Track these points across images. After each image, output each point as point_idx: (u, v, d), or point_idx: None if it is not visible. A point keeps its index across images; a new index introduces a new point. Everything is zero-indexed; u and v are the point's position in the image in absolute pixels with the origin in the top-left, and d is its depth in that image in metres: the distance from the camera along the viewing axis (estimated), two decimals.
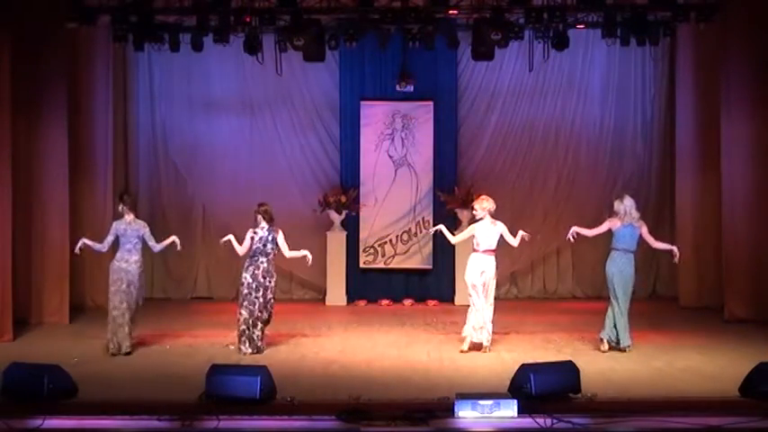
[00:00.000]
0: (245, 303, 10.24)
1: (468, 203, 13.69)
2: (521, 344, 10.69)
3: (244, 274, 10.30)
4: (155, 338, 10.91)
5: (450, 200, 14.05)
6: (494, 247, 10.28)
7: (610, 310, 10.31)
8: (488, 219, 10.27)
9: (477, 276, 10.21)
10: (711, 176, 12.98)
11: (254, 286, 10.23)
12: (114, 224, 10.34)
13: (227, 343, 10.63)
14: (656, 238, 10.61)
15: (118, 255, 10.23)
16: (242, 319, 10.22)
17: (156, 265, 14.72)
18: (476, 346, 10.25)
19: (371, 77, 14.41)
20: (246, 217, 14.35)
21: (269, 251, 10.34)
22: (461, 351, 10.21)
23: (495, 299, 10.41)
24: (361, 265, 14.39)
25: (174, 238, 10.53)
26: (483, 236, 10.26)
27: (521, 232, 10.23)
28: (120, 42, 12.53)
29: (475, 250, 10.32)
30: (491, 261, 10.25)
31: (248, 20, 11.89)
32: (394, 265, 14.41)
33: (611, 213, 10.41)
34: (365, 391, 8.06)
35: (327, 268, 14.19)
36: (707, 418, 7.33)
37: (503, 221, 10.35)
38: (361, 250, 14.38)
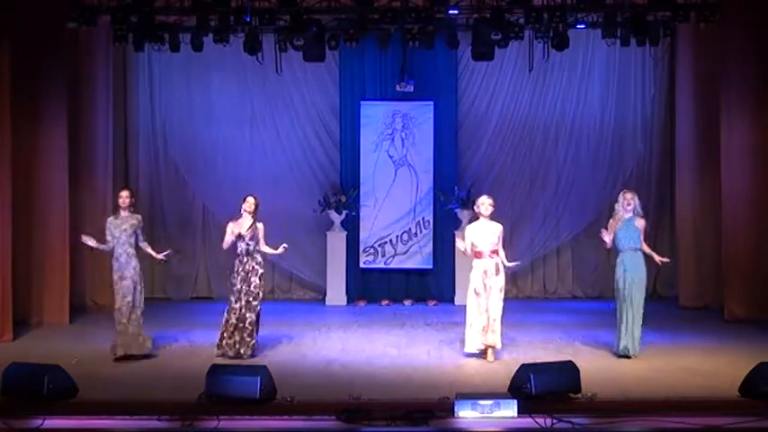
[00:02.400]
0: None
1: (467, 203, 13.73)
2: (521, 344, 10.68)
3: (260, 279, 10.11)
4: (155, 339, 10.90)
5: (450, 200, 14.05)
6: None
7: (625, 317, 9.80)
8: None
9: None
10: (711, 176, 12.97)
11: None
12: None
13: None
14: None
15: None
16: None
17: (156, 265, 14.73)
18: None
19: (371, 77, 14.40)
20: None
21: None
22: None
23: None
24: (361, 265, 14.38)
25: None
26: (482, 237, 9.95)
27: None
28: (120, 42, 12.55)
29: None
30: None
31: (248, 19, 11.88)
32: (394, 265, 14.40)
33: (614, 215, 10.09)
34: (365, 391, 8.05)
35: (327, 268, 14.19)
36: (707, 418, 7.34)
37: (503, 222, 10.17)
38: (361, 250, 14.37)
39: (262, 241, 10.10)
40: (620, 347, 9.81)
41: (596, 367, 9.28)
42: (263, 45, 12.57)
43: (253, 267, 10.00)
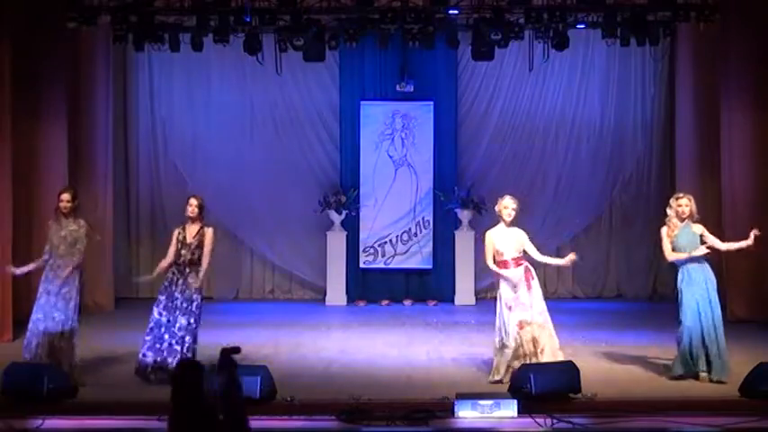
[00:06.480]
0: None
1: (468, 203, 13.74)
2: None
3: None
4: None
5: (450, 200, 14.04)
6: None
7: (685, 338, 8.86)
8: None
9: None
10: (711, 176, 12.97)
11: None
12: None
13: (227, 343, 10.60)
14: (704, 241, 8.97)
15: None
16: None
17: (156, 264, 14.71)
18: None
19: (371, 77, 14.39)
20: (246, 217, 14.41)
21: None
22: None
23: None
24: (361, 265, 14.37)
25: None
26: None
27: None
28: (120, 42, 12.53)
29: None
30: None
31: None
32: (394, 265, 14.39)
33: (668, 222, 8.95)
34: (365, 391, 8.05)
35: (327, 268, 14.18)
36: (707, 418, 7.34)
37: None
38: (361, 250, 14.37)
39: (207, 249, 8.96)
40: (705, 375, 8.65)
41: (596, 367, 9.28)
42: (263, 45, 12.57)
43: (194, 280, 8.89)
